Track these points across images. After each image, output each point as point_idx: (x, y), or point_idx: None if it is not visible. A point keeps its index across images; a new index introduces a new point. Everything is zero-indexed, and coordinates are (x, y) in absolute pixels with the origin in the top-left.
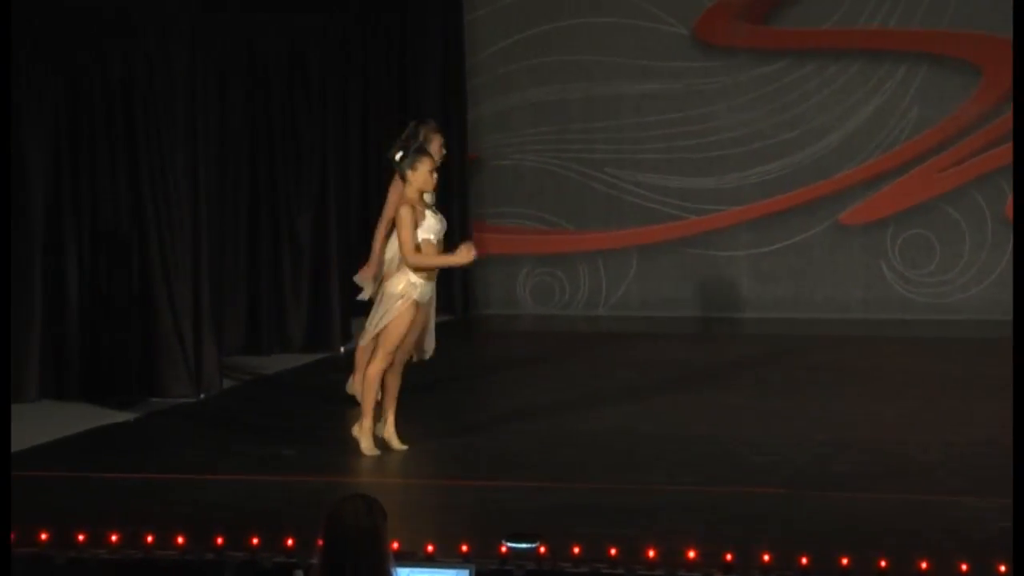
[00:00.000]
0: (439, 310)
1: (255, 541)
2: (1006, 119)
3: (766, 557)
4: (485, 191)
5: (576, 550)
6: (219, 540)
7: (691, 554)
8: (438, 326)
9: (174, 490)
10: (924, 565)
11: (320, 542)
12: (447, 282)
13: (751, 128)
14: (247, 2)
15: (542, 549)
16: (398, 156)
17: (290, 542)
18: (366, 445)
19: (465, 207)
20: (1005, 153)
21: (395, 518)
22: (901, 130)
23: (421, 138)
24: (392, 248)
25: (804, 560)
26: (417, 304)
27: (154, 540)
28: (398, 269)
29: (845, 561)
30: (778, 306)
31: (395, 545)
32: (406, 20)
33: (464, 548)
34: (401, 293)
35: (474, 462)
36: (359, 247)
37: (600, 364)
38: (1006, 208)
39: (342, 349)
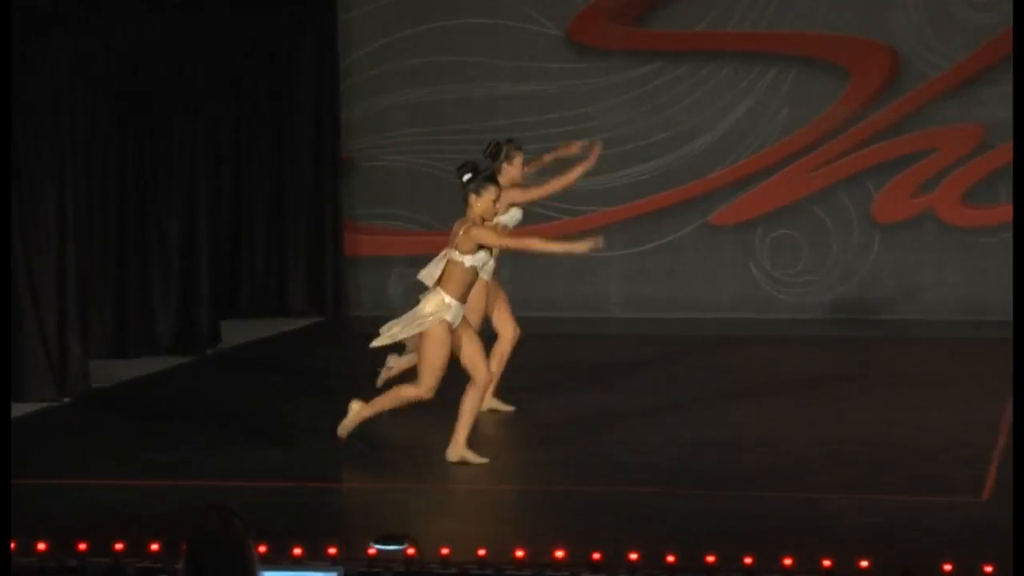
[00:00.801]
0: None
1: (119, 547)
2: (873, 120)
3: (634, 556)
4: (358, 192)
5: (445, 551)
6: (81, 546)
7: (559, 553)
8: (307, 328)
9: (36, 495)
10: (788, 561)
11: (183, 547)
12: (318, 283)
13: (625, 129)
14: (116, 2)
15: (411, 551)
16: (466, 177)
17: (155, 547)
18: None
19: (337, 208)
20: (872, 154)
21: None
22: (771, 131)
23: (502, 158)
24: (427, 271)
25: (671, 558)
26: (449, 325)
27: (16, 546)
28: (432, 290)
29: (711, 559)
30: (650, 306)
31: (262, 548)
32: (280, 19)
33: (332, 551)
34: (431, 312)
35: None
36: (230, 249)
37: None
38: (873, 208)
39: (209, 352)
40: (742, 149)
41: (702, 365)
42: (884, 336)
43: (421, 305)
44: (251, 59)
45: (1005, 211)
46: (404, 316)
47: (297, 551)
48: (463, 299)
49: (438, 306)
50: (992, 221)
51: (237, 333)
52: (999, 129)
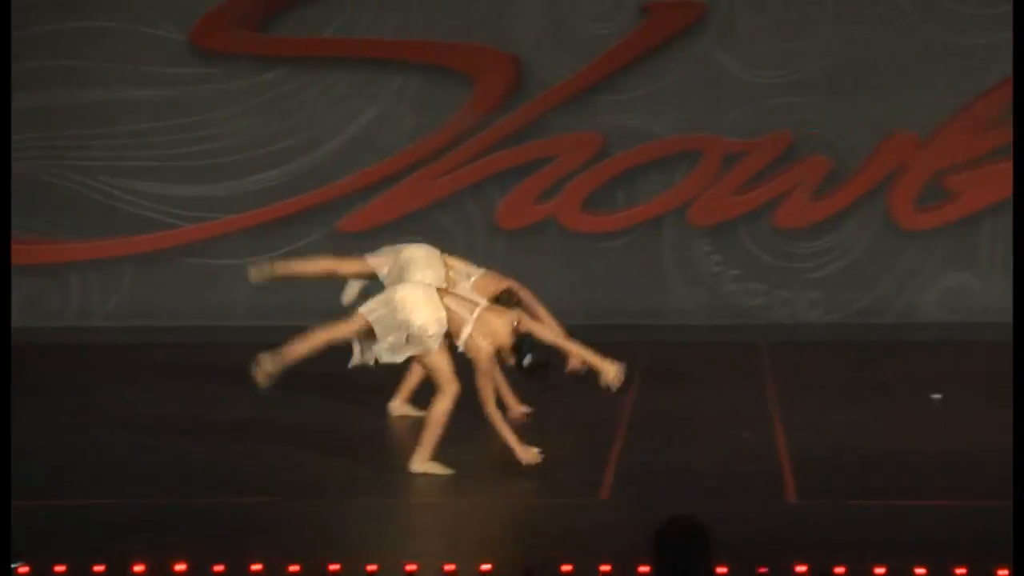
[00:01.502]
0: None
1: None
2: (496, 128)
3: (255, 567)
4: None
5: (60, 569)
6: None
7: (180, 567)
8: None
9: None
10: (486, 567)
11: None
12: None
13: (250, 135)
14: None
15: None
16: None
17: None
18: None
19: None
20: (496, 161)
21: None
22: (397, 139)
23: None
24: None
25: (293, 568)
26: None
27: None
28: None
29: (372, 568)
30: (277, 314)
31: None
32: None
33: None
34: (435, 333)
35: None
36: None
37: (104, 377)
38: (497, 214)
39: None
40: (368, 156)
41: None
42: None
43: (415, 319)
44: None
45: (624, 217)
46: (387, 322)
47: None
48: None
49: (440, 326)
50: (612, 227)
51: None
52: (617, 137)
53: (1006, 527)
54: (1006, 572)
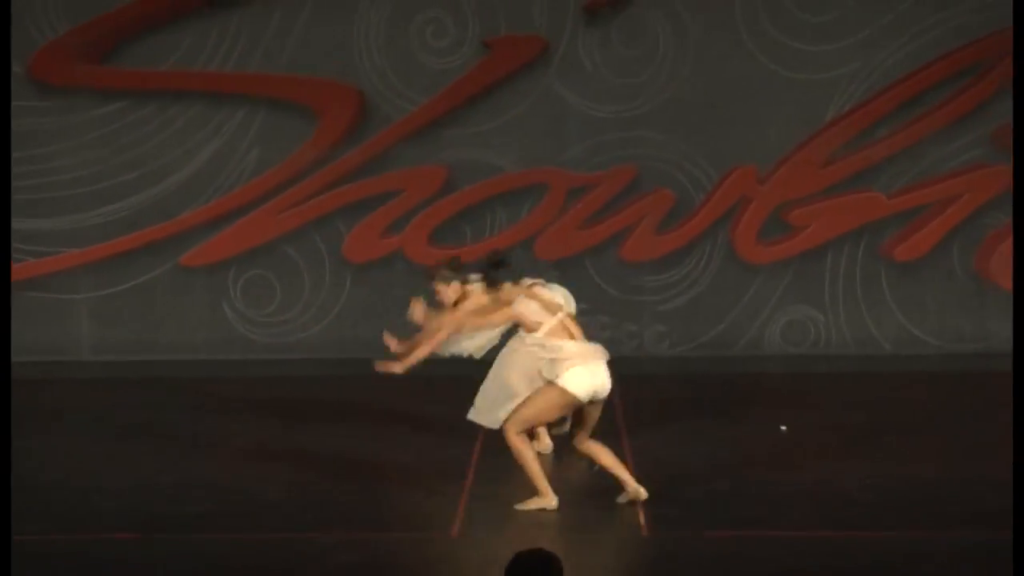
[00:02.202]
0: None
1: None
2: (342, 162)
3: None
4: None
5: None
6: None
7: None
8: None
9: None
10: None
11: None
12: None
13: (91, 169)
14: None
15: None
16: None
17: None
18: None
19: None
20: (342, 195)
21: None
22: (241, 172)
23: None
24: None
25: None
26: None
27: None
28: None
29: None
30: (122, 349)
31: None
32: None
33: None
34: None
35: None
36: None
37: None
38: (344, 248)
39: None
40: (212, 190)
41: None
42: (367, 374)
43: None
44: None
45: (471, 251)
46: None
47: None
48: None
49: None
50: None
51: None
52: (463, 171)
53: (858, 558)
54: None
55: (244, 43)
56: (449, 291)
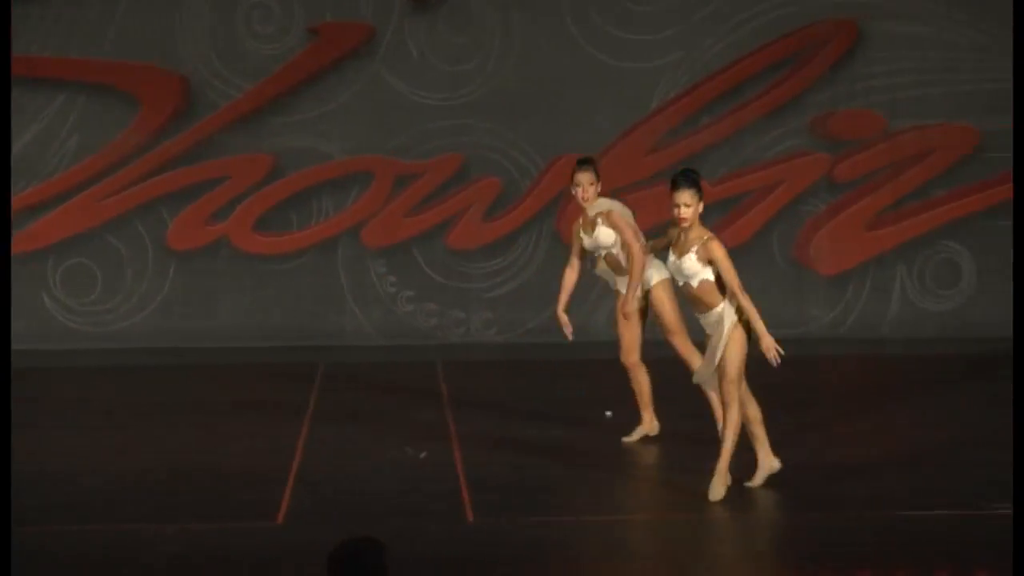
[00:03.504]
0: None
1: None
2: (165, 148)
3: None
4: None
5: None
6: None
7: None
8: None
9: None
10: None
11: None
12: None
13: None
14: None
15: None
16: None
17: None
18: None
19: None
20: (165, 182)
21: None
22: (61, 158)
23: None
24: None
25: None
26: None
27: None
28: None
29: None
30: None
31: None
32: None
33: None
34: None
35: None
36: None
37: None
38: (168, 235)
39: None
40: (30, 177)
41: None
42: (191, 364)
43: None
44: None
45: (298, 238)
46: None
47: None
48: None
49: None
50: (286, 248)
51: None
52: (289, 158)
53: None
54: None
55: (65, 27)
56: (593, 189)
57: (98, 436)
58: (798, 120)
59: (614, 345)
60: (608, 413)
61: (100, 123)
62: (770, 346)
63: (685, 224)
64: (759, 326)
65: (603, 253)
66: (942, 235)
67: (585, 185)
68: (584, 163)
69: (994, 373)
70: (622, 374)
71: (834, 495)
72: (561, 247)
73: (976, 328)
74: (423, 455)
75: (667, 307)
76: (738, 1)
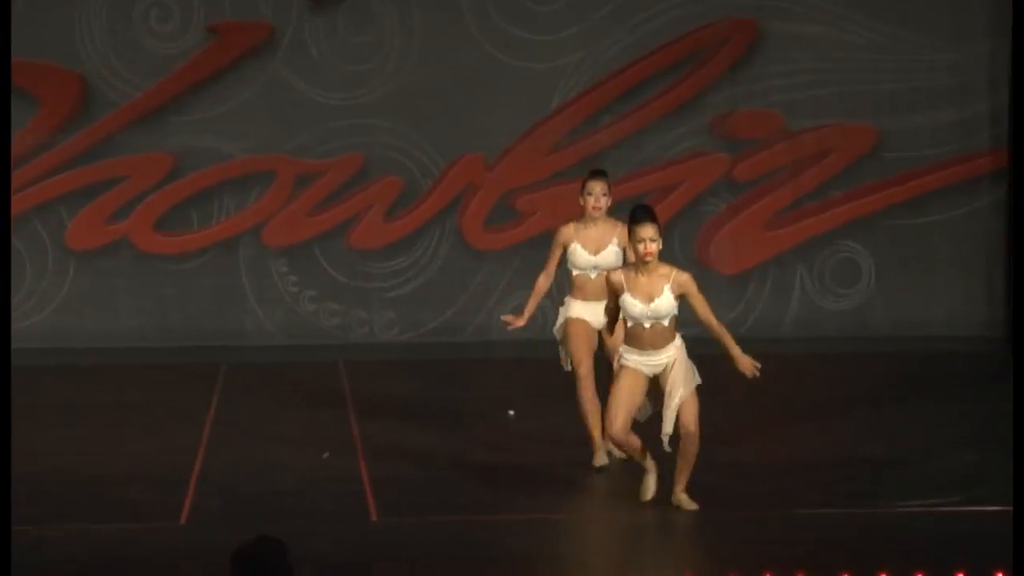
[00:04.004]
0: None
1: None
2: (64, 147)
3: None
4: None
5: None
6: None
7: None
8: None
9: None
10: None
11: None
12: None
13: None
14: None
15: None
16: None
17: None
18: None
19: None
20: (64, 181)
21: None
22: None
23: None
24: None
25: None
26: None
27: None
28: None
29: None
30: None
31: None
32: None
33: None
34: None
35: None
36: None
37: None
38: (66, 235)
39: None
40: None
41: None
42: (91, 365)
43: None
44: None
45: (198, 237)
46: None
47: None
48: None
49: None
50: (186, 247)
51: None
52: (189, 157)
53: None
54: None
55: None
56: (606, 200)
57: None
58: (698, 120)
59: (515, 345)
60: (511, 412)
61: None
62: (748, 366)
63: (649, 259)
64: (735, 350)
65: (594, 275)
66: (841, 235)
67: (598, 194)
68: (599, 173)
69: (892, 371)
70: (524, 374)
71: (732, 493)
72: (463, 247)
73: (875, 327)
74: (326, 455)
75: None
76: (638, 1)
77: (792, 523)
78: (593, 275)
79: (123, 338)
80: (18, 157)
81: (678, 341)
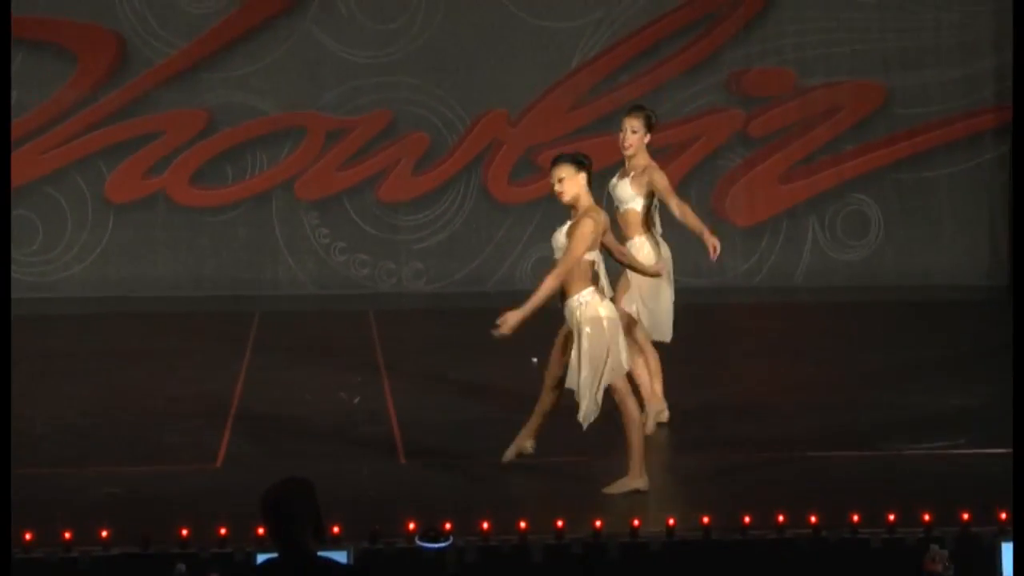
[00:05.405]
0: None
1: None
2: (103, 104)
3: None
4: None
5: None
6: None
7: None
8: None
9: None
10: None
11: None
12: None
13: None
14: None
15: None
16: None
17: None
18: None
19: None
20: (103, 136)
21: None
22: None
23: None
24: None
25: None
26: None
27: None
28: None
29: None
30: None
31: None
32: None
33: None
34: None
35: None
36: None
37: None
38: (106, 188)
39: None
40: None
41: None
42: (130, 312)
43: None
44: None
45: (233, 191)
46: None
47: None
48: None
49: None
50: (221, 201)
51: None
52: (223, 114)
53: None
54: (598, 522)
55: None
56: (636, 138)
57: (38, 383)
58: (714, 77)
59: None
60: (534, 360)
61: (37, 79)
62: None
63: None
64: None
65: (621, 209)
66: (851, 188)
67: (627, 132)
68: (632, 109)
69: (900, 319)
70: (545, 326)
71: (745, 437)
72: (487, 200)
73: (883, 277)
74: (356, 400)
75: None
76: None
77: (803, 466)
78: (619, 208)
79: (160, 287)
80: (59, 113)
81: (584, 297)
